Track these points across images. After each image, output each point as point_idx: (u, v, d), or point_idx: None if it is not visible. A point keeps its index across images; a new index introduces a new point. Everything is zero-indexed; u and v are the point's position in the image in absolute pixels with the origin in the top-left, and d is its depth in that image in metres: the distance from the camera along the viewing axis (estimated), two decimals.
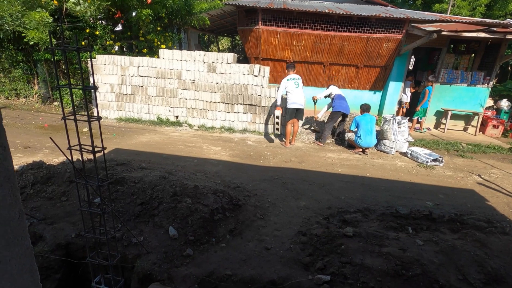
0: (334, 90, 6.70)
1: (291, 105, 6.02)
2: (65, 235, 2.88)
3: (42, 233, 2.88)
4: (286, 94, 6.09)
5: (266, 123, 7.07)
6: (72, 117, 1.80)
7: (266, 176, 4.58)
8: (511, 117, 8.87)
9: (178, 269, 2.55)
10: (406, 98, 8.61)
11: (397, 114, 8.75)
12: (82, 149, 1.88)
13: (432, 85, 7.92)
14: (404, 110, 8.76)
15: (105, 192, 2.92)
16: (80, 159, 2.51)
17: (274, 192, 4.08)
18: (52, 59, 7.67)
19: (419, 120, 8.17)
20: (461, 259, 2.66)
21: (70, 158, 1.87)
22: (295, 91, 5.98)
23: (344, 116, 6.71)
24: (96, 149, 1.88)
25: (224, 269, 2.57)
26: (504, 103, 8.87)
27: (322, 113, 6.95)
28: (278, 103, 6.12)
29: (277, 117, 6.41)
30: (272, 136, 6.58)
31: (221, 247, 2.86)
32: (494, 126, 8.34)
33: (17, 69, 8.21)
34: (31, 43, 6.47)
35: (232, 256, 2.75)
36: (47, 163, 4.05)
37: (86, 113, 1.82)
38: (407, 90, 8.57)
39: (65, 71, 7.87)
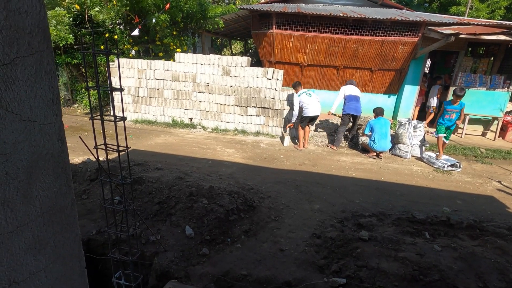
0: (346, 90, 6.43)
1: (307, 114, 6.05)
2: (86, 232, 2.99)
3: None
4: (303, 108, 6.08)
5: (279, 126, 7.10)
6: (99, 118, 1.89)
7: (279, 179, 4.60)
8: None
9: (194, 267, 2.60)
10: (433, 103, 8.43)
11: (426, 118, 8.57)
12: (107, 148, 1.96)
13: (455, 101, 5.87)
14: (432, 114, 8.56)
15: (127, 190, 3.02)
16: (100, 158, 2.60)
17: (287, 194, 4.10)
18: (73, 62, 7.96)
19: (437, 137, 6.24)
20: (481, 266, 2.59)
21: (96, 156, 1.95)
22: (311, 102, 6.01)
23: (355, 117, 6.52)
24: (119, 148, 1.96)
25: (239, 269, 2.60)
26: None
27: (335, 108, 6.58)
28: (293, 120, 6.25)
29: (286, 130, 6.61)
30: (285, 139, 6.60)
31: (236, 247, 2.89)
32: None
33: None
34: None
35: (247, 256, 2.78)
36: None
37: (108, 114, 1.90)
38: (434, 94, 8.39)
39: (84, 74, 8.14)
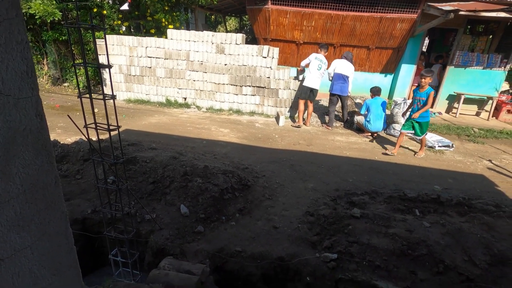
0: (335, 66, 6.16)
1: (306, 84, 6.04)
2: (81, 211, 3.00)
3: None
4: (306, 72, 6.10)
5: (275, 106, 7.04)
6: (88, 96, 1.84)
7: (274, 158, 4.62)
8: None
9: (190, 244, 2.65)
10: (433, 82, 8.38)
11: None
12: (98, 127, 1.92)
13: (424, 85, 4.80)
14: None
15: (120, 170, 3.00)
16: (93, 138, 2.57)
17: (282, 173, 4.13)
18: (61, 39, 7.66)
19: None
20: (467, 241, 2.69)
21: (86, 135, 1.92)
22: (315, 73, 5.97)
23: (341, 98, 6.38)
24: (110, 127, 1.93)
25: (234, 246, 2.66)
26: None
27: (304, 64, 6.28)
28: (302, 65, 6.22)
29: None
30: (281, 119, 6.56)
31: (231, 225, 2.95)
32: (509, 111, 8.12)
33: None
34: (37, 17, 6.42)
35: (241, 233, 2.83)
36: (61, 143, 4.15)
37: (99, 92, 1.85)
38: (435, 74, 8.32)
39: (72, 51, 7.87)
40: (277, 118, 6.69)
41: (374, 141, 5.93)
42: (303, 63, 6.20)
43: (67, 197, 3.18)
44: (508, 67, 7.92)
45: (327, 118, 6.74)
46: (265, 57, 6.61)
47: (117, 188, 2.13)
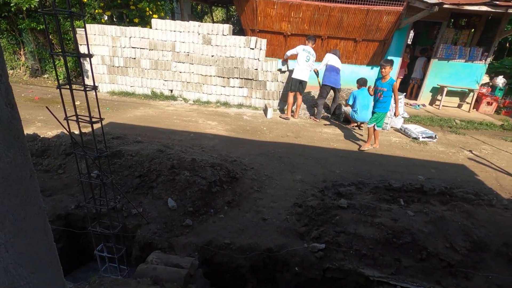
0: (329, 58, 6.27)
1: (295, 76, 6.05)
2: (64, 206, 2.91)
3: None
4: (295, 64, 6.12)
5: (263, 98, 7.00)
6: (67, 87, 1.76)
7: (262, 151, 4.61)
8: (506, 94, 8.91)
9: (178, 238, 2.63)
10: (418, 75, 8.60)
11: (409, 91, 8.87)
12: (79, 120, 1.85)
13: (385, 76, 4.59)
14: (416, 86, 8.79)
15: (104, 164, 2.92)
16: (76, 131, 2.48)
17: (270, 166, 4.14)
18: (38, 28, 7.29)
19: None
20: (449, 228, 2.78)
21: (67, 128, 1.84)
22: (303, 65, 6.00)
23: (335, 90, 6.47)
24: (93, 120, 1.85)
25: (222, 238, 2.66)
26: (500, 80, 8.88)
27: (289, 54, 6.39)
28: (288, 54, 6.28)
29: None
30: (269, 111, 6.54)
31: (219, 217, 2.94)
32: (488, 103, 8.40)
33: (1, 38, 7.80)
34: (12, 4, 6.08)
35: (230, 226, 2.83)
36: (41, 136, 3.99)
37: (80, 83, 1.77)
38: (420, 66, 8.51)
39: (51, 41, 7.52)
40: (265, 110, 6.67)
41: (361, 131, 6.02)
42: (288, 53, 6.22)
43: (49, 193, 3.08)
44: (488, 60, 8.15)
45: (315, 110, 6.77)
46: (252, 49, 6.54)
47: (101, 182, 2.07)
